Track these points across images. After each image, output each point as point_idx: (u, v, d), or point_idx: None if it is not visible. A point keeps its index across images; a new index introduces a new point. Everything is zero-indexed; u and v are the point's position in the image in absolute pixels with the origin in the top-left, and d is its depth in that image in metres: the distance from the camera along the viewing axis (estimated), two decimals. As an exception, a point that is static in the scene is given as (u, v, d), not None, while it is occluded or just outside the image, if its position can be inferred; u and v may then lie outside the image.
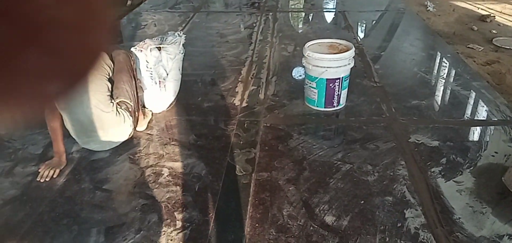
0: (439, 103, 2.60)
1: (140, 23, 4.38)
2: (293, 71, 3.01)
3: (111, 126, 2.04)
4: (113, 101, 2.07)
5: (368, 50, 3.39)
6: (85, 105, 1.95)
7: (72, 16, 0.24)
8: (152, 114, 2.41)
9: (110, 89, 2.08)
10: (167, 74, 2.37)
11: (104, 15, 0.27)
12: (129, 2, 5.26)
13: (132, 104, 2.15)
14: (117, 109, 2.06)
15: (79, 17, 0.25)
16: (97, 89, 1.99)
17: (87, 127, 2.00)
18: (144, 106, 2.41)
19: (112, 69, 2.16)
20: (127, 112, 2.10)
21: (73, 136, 2.07)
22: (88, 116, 1.97)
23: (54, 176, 1.92)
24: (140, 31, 4.10)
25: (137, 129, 2.24)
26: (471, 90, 2.70)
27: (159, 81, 2.35)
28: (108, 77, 2.12)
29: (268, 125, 2.32)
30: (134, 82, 2.23)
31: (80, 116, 1.97)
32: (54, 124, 1.93)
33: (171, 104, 2.51)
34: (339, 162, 1.97)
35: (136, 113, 2.20)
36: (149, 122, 2.34)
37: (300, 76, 2.87)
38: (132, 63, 2.28)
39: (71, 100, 1.92)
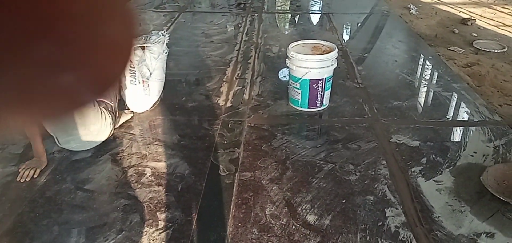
0: (420, 104, 2.65)
1: (125, 22, 4.33)
2: (279, 73, 3.03)
3: (92, 123, 2.03)
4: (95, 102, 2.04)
5: (351, 51, 3.43)
6: None
7: (86, 6, 0.23)
8: (132, 115, 2.39)
9: None
10: (151, 74, 2.36)
11: (121, 5, 0.26)
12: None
13: (112, 104, 2.15)
14: (97, 110, 2.05)
15: (94, 7, 0.24)
16: None
17: (69, 124, 1.96)
18: (127, 107, 2.40)
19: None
20: (106, 111, 2.09)
21: (53, 135, 2.04)
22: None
23: (35, 176, 1.88)
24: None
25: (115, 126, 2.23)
26: (452, 92, 2.76)
27: (143, 81, 2.33)
28: None
29: (252, 125, 2.33)
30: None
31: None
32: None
33: (155, 104, 2.50)
34: (321, 162, 1.99)
35: (116, 112, 2.19)
36: (127, 121, 2.33)
37: (285, 77, 2.88)
38: None
39: None
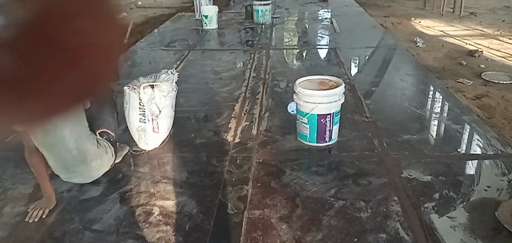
0: (431, 137, 2.62)
1: (136, 61, 4.44)
2: (288, 106, 3.03)
3: (93, 159, 2.04)
4: (92, 132, 2.07)
5: (359, 86, 3.44)
6: (67, 141, 1.92)
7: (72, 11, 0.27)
8: (128, 150, 2.41)
9: (87, 121, 2.05)
10: (160, 112, 2.39)
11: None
12: (125, 40, 5.36)
13: (114, 134, 2.18)
14: (97, 141, 2.07)
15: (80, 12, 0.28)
16: (76, 122, 1.96)
17: (70, 162, 1.98)
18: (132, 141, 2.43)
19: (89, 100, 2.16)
20: (108, 143, 2.12)
21: (55, 172, 2.06)
22: (71, 152, 1.95)
23: (43, 216, 1.88)
24: (135, 69, 4.14)
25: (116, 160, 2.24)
26: (462, 124, 2.73)
27: (152, 119, 2.36)
28: (85, 108, 2.06)
29: (260, 161, 2.32)
30: (115, 114, 2.26)
31: (62, 153, 1.95)
32: (34, 159, 1.90)
33: (164, 141, 2.51)
34: (332, 199, 1.96)
35: (117, 144, 2.23)
36: (136, 159, 2.34)
37: (293, 110, 2.89)
38: (114, 96, 2.32)
39: (50, 138, 1.91)
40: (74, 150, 1.95)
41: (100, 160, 2.07)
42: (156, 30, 5.85)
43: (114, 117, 2.23)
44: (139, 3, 8.50)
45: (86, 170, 2.04)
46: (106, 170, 2.13)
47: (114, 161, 2.19)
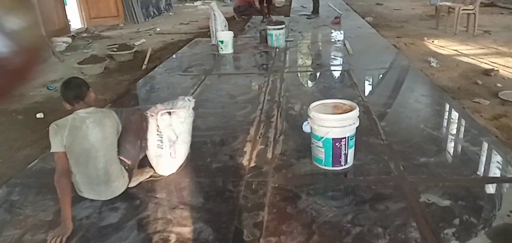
0: (448, 160, 2.59)
1: (154, 86, 4.53)
2: (303, 125, 3.02)
3: (114, 181, 2.19)
4: (119, 157, 2.23)
5: (373, 107, 3.43)
6: (98, 160, 2.13)
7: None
8: (151, 173, 2.47)
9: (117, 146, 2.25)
10: (177, 138, 2.43)
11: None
12: (144, 66, 5.49)
13: (130, 163, 2.26)
14: (121, 168, 2.22)
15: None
16: (110, 146, 2.18)
17: (94, 180, 2.16)
18: (149, 166, 2.49)
19: (121, 127, 2.29)
20: (125, 173, 2.25)
21: (78, 189, 2.19)
22: (98, 171, 2.14)
23: (62, 244, 1.92)
24: (154, 94, 4.24)
25: (129, 185, 2.32)
26: (480, 146, 2.69)
27: (169, 145, 2.40)
28: (118, 135, 2.27)
29: (276, 185, 2.32)
30: (139, 143, 2.33)
31: (90, 171, 2.14)
32: (62, 181, 2.04)
33: (181, 166, 2.55)
34: (349, 225, 1.94)
35: (133, 171, 2.32)
36: (154, 184, 2.39)
37: (308, 130, 2.84)
38: (144, 125, 2.37)
39: (86, 156, 2.11)
40: (102, 170, 2.14)
41: (118, 183, 2.21)
42: (174, 56, 5.98)
43: (137, 145, 2.31)
44: (158, 29, 8.72)
45: (105, 190, 2.20)
46: (120, 193, 2.26)
47: (127, 185, 2.29)
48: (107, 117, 2.21)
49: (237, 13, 9.46)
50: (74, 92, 2.14)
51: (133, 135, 2.29)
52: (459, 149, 2.74)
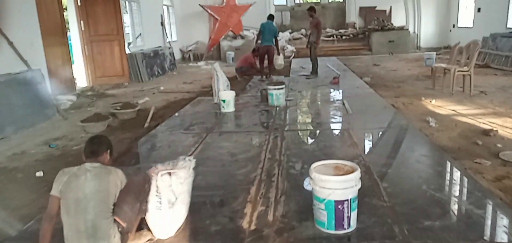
0: (453, 223, 2.53)
1: (156, 144, 4.55)
2: (304, 182, 2.98)
3: (101, 238, 2.10)
4: (112, 217, 2.16)
5: (374, 167, 3.42)
6: (87, 211, 2.08)
7: None
8: (150, 237, 2.41)
9: (113, 205, 2.19)
10: (176, 199, 2.40)
11: None
12: (146, 125, 5.55)
13: (125, 225, 2.20)
14: (112, 227, 2.14)
15: None
16: (103, 200, 2.14)
17: (82, 234, 2.08)
18: (147, 228, 2.43)
19: (122, 187, 2.26)
20: (117, 233, 2.16)
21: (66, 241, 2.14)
22: (86, 223, 2.08)
23: None
24: (155, 152, 4.24)
25: None
26: (485, 209, 2.65)
27: (168, 206, 2.36)
28: (117, 193, 2.22)
29: (277, 250, 2.26)
30: (138, 205, 2.28)
31: (79, 222, 2.08)
32: (46, 225, 2.11)
33: (179, 228, 2.49)
34: (353, 292, 1.87)
35: (128, 234, 2.25)
36: None
37: (310, 187, 2.81)
38: (146, 186, 2.34)
39: (76, 205, 2.08)
40: (90, 222, 2.08)
41: (107, 242, 2.11)
42: (176, 114, 6.07)
43: (135, 207, 2.24)
44: (162, 88, 8.92)
45: None
46: None
47: None
48: (111, 174, 2.22)
49: (239, 72, 9.74)
50: (92, 148, 2.28)
51: (133, 196, 2.24)
52: (464, 211, 2.69)
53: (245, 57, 10.04)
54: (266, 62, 9.23)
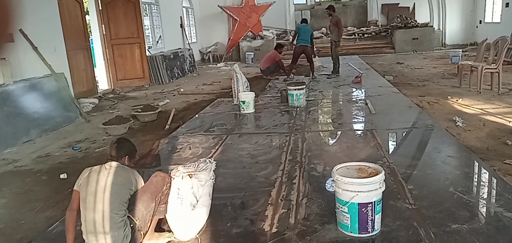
0: (482, 227, 2.43)
1: (176, 146, 4.59)
2: (326, 183, 2.93)
3: (112, 230, 2.14)
4: (126, 212, 2.22)
5: (399, 169, 3.33)
6: (100, 203, 2.16)
7: None
8: (170, 240, 2.43)
9: (127, 201, 2.24)
10: (197, 201, 2.40)
11: None
12: (167, 127, 5.61)
13: (138, 223, 2.24)
14: (125, 221, 2.19)
15: None
16: (117, 193, 2.20)
17: (97, 227, 2.15)
18: (169, 230, 2.44)
19: (138, 187, 2.32)
20: (129, 229, 2.20)
21: (84, 233, 2.21)
22: (97, 214, 2.15)
23: None
24: (175, 154, 4.27)
25: None
26: (517, 212, 2.53)
27: (190, 208, 2.37)
28: (132, 190, 2.28)
29: (299, 253, 2.22)
30: (153, 205, 2.31)
31: (92, 214, 2.15)
32: (70, 214, 2.23)
33: (201, 230, 2.49)
34: None
35: (142, 233, 2.29)
36: None
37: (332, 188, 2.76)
38: (165, 187, 2.36)
39: (92, 197, 2.17)
40: (100, 213, 2.15)
41: (117, 233, 2.16)
42: (196, 115, 6.10)
43: (150, 207, 2.29)
44: (182, 90, 9.00)
45: (103, 238, 2.16)
46: None
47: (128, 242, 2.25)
48: (127, 172, 2.31)
49: (267, 74, 9.62)
50: (111, 153, 2.37)
51: (149, 196, 2.29)
52: (493, 214, 2.58)
53: (270, 56, 9.70)
54: (307, 60, 9.25)
